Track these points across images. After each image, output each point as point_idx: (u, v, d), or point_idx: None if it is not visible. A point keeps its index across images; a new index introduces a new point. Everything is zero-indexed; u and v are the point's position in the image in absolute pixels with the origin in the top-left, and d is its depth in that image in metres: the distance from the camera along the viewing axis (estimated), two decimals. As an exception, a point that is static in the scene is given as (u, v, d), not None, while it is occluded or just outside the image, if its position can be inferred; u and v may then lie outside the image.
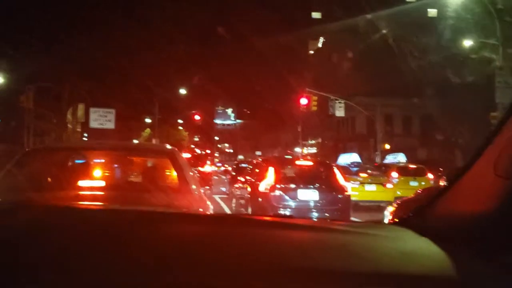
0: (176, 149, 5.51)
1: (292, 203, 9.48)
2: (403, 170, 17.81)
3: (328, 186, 9.77)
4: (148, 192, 4.28)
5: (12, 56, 30.78)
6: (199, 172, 18.45)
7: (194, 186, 4.66)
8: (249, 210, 10.07)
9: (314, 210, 9.57)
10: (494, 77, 21.47)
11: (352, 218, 10.41)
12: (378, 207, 14.72)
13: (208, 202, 4.74)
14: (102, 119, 24.08)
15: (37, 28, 20.37)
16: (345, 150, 41.53)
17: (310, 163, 11.93)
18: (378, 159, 29.79)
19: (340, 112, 32.44)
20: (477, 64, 24.66)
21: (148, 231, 1.33)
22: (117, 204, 3.74)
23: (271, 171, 9.76)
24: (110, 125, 24.28)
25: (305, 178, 9.86)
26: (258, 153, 70.60)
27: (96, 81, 25.95)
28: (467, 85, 27.36)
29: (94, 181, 4.53)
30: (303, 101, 32.82)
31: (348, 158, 18.47)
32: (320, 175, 10.15)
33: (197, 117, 47.49)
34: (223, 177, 26.60)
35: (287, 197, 9.47)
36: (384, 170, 18.05)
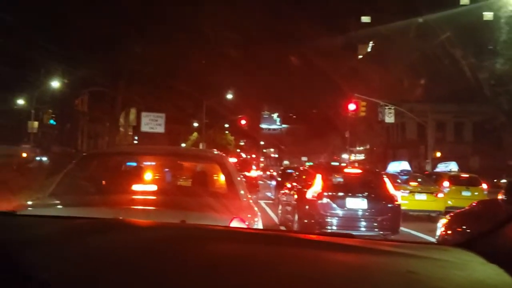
0: (225, 155, 5.56)
1: (340, 212, 9.34)
2: (455, 179, 17.20)
3: (377, 195, 9.55)
4: (198, 197, 4.33)
5: (68, 61, 32.16)
6: (245, 177, 18.49)
7: (242, 192, 4.67)
8: (296, 217, 10.00)
9: (363, 219, 9.38)
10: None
11: (402, 228, 10.13)
12: (428, 217, 14.27)
13: (256, 208, 4.74)
14: (152, 123, 24.68)
15: (91, 33, 21.16)
16: (395, 157, 40.55)
17: (359, 171, 11.70)
18: (428, 167, 28.90)
19: (390, 118, 31.73)
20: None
21: (194, 249, 1.32)
22: (168, 208, 3.81)
23: (318, 178, 9.65)
24: (160, 129, 24.86)
25: (353, 186, 9.68)
26: (304, 158, 70.16)
27: (147, 86, 26.62)
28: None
29: (147, 185, 4.64)
30: (351, 106, 32.36)
31: (397, 166, 17.97)
32: (369, 184, 9.94)
33: (243, 122, 47.75)
34: (269, 182, 26.63)
35: (334, 205, 9.33)
36: (435, 179, 17.49)
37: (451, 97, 41.07)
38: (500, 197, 4.38)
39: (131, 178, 4.70)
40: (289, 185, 12.36)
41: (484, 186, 17.11)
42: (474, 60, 32.20)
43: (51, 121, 44.34)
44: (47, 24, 24.91)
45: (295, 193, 10.85)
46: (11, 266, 1.06)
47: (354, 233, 9.30)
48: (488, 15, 34.57)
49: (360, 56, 63.99)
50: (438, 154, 34.10)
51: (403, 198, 12.88)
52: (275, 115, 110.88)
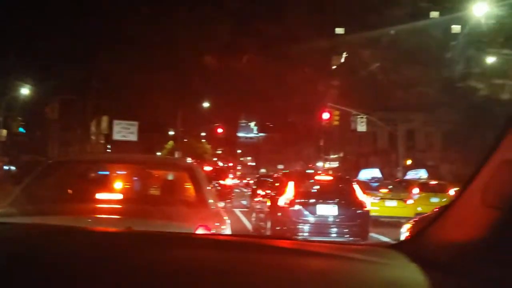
0: (195, 163, 5.57)
1: (311, 218, 9.45)
2: (424, 186, 17.60)
3: (347, 202, 9.70)
4: (166, 206, 4.32)
5: (38, 69, 31.59)
6: (220, 185, 18.49)
7: (211, 200, 4.69)
8: (268, 224, 10.06)
9: (333, 226, 9.51)
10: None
11: (372, 234, 10.30)
12: (398, 223, 14.49)
13: (226, 217, 4.76)
14: (125, 131, 24.44)
15: (62, 41, 20.91)
16: (367, 165, 41.07)
17: (330, 178, 11.86)
18: (399, 175, 29.42)
19: (361, 127, 32.22)
20: (502, 77, 24.31)
21: (156, 255, 1.32)
22: (133, 217, 3.79)
23: (290, 186, 9.76)
24: (133, 138, 24.62)
25: (324, 193, 9.82)
26: (280, 166, 70.37)
27: (120, 94, 26.38)
28: (491, 99, 26.93)
29: (112, 194, 4.61)
30: (325, 115, 32.74)
31: (369, 173, 18.27)
32: (339, 190, 10.09)
33: (220, 130, 47.72)
34: (245, 190, 26.63)
35: (306, 212, 9.44)
36: (405, 185, 17.85)
37: (420, 106, 41.98)
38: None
39: (97, 186, 4.67)
40: (262, 193, 12.44)
41: (452, 192, 17.53)
42: (442, 70, 33.05)
43: (21, 129, 43.25)
44: (17, 31, 24.51)
45: (268, 200, 10.92)
46: None
47: (324, 239, 9.45)
48: (456, 28, 35.59)
49: (334, 67, 64.85)
50: (409, 162, 34.76)
51: (374, 204, 13.10)
52: (252, 124, 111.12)
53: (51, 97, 27.91)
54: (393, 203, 15.00)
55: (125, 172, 5.72)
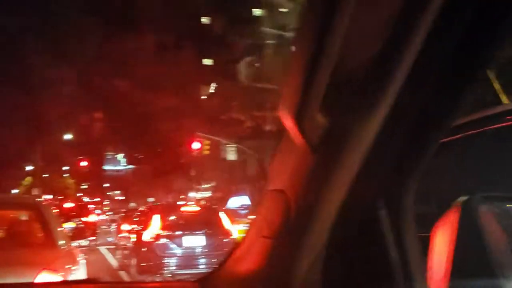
0: (41, 201, 5.24)
1: (178, 251, 9.33)
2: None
3: (214, 231, 9.78)
4: (11, 250, 4.00)
5: None
6: (83, 222, 17.48)
7: (62, 241, 4.44)
8: (133, 261, 9.69)
9: (201, 257, 9.49)
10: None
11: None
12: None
13: (80, 257, 4.52)
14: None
15: None
16: (238, 193, 42.11)
17: (197, 208, 11.90)
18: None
19: (231, 155, 33.09)
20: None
21: None
22: None
23: (156, 219, 9.56)
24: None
25: (191, 224, 9.79)
26: (151, 199, 68.58)
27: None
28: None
29: None
30: (196, 145, 33.03)
31: (238, 201, 18.73)
32: (206, 221, 10.14)
33: (83, 164, 45.30)
34: (113, 226, 25.37)
35: (172, 245, 9.30)
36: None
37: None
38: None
39: None
40: (128, 228, 12.01)
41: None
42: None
43: None
44: None
45: (133, 235, 10.56)
46: None
47: (193, 271, 9.38)
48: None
49: (204, 97, 65.97)
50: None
51: (241, 232, 13.37)
52: (120, 156, 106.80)
53: None
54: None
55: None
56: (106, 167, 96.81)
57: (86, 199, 58.50)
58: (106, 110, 36.79)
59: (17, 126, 25.62)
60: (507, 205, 1.19)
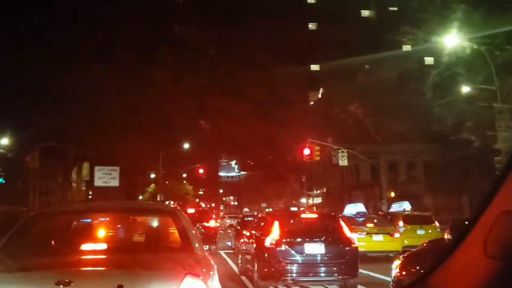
0: (178, 208, 5.50)
1: (298, 258, 9.31)
2: (409, 219, 17.62)
3: (335, 239, 9.62)
4: (150, 253, 4.23)
5: (17, 118, 31.30)
6: (204, 227, 18.15)
7: (197, 245, 4.61)
8: (255, 266, 9.88)
9: (322, 265, 9.38)
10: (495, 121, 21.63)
11: (361, 270, 10.19)
12: (386, 258, 14.43)
13: (212, 262, 4.67)
14: (106, 177, 24.14)
15: (41, 89, 20.90)
16: (351, 199, 41.21)
17: (315, 215, 11.79)
18: (384, 208, 29.51)
19: (343, 161, 32.49)
20: (478, 109, 24.92)
21: None
22: (119, 268, 3.70)
23: (276, 225, 9.66)
24: (115, 183, 24.31)
25: (311, 232, 9.73)
26: (264, 205, 70.01)
27: (100, 140, 26.25)
28: (469, 129, 27.48)
29: (97, 244, 4.50)
30: (306, 151, 33.02)
31: (353, 208, 18.28)
32: (326, 228, 10.01)
33: (201, 171, 47.57)
34: (229, 231, 26.27)
35: (293, 252, 9.31)
36: (390, 219, 17.86)
37: (400, 137, 42.64)
38: (446, 236, 4.54)
39: (81, 237, 4.57)
40: (247, 233, 12.27)
41: (437, 223, 17.61)
42: (419, 101, 33.85)
43: (0, 179, 42.48)
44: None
45: (254, 241, 10.76)
46: None
47: (314, 279, 9.29)
48: (429, 60, 36.73)
49: (312, 103, 65.91)
50: (393, 194, 34.97)
51: (360, 240, 13.03)
52: (233, 163, 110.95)
53: (31, 145, 27.64)
54: (379, 238, 14.95)
55: (109, 220, 5.63)
56: (220, 173, 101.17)
57: (203, 205, 61.48)
58: (220, 120, 38.34)
59: (143, 139, 27.78)
60: None
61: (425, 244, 5.37)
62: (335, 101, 51.20)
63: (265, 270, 9.41)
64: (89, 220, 5.21)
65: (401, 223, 16.92)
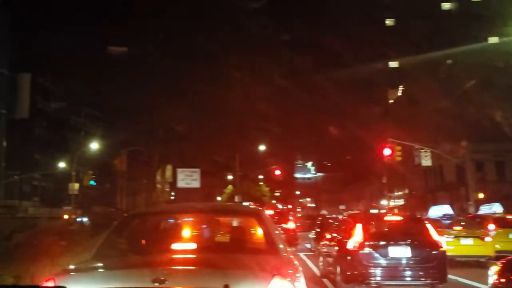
0: (262, 209, 5.56)
1: (383, 261, 9.04)
2: (501, 222, 16.44)
3: (421, 242, 9.23)
4: (237, 254, 4.29)
5: (106, 124, 33.44)
6: (283, 229, 18.19)
7: (281, 246, 4.62)
8: (338, 269, 9.74)
9: (408, 269, 9.04)
10: None
11: (449, 276, 9.69)
12: (477, 263, 13.61)
13: (297, 263, 4.65)
14: (188, 178, 25.00)
15: (128, 96, 22.14)
16: (435, 201, 39.34)
17: (400, 218, 11.39)
18: (472, 210, 27.86)
19: (426, 161, 31.15)
20: None
21: None
22: (209, 267, 3.79)
23: (358, 228, 9.45)
24: (196, 184, 25.11)
25: (395, 234, 9.42)
26: (342, 207, 68.89)
27: (182, 143, 27.27)
28: None
29: (186, 243, 4.66)
30: (386, 151, 32.02)
31: (439, 210, 17.39)
32: (411, 231, 9.65)
33: (277, 172, 47.77)
34: (309, 232, 26.13)
35: (377, 255, 9.06)
36: (479, 221, 16.79)
37: (488, 136, 40.08)
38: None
39: (171, 237, 4.75)
40: (328, 236, 12.14)
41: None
42: (507, 96, 31.64)
43: (91, 182, 45.61)
44: (85, 89, 26.27)
45: (335, 243, 10.63)
46: None
47: (400, 283, 8.98)
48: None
49: (391, 101, 63.82)
50: (481, 196, 32.90)
51: (448, 243, 12.39)
52: (309, 164, 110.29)
53: (119, 150, 29.40)
54: (469, 241, 14.10)
55: (194, 221, 5.81)
56: (296, 175, 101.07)
57: (280, 206, 61.70)
58: (297, 121, 38.29)
59: (221, 141, 28.45)
60: None
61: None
62: (416, 98, 49.22)
63: (348, 273, 9.25)
64: (177, 220, 5.42)
65: (492, 226, 15.85)
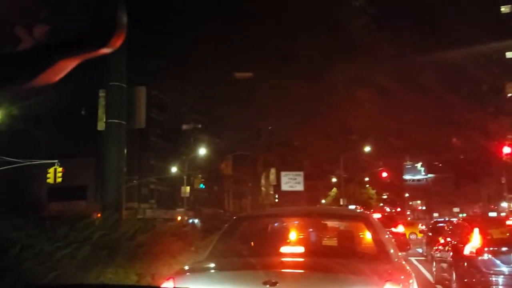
0: (369, 212, 5.46)
1: (505, 269, 8.35)
2: None
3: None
4: (346, 259, 4.27)
5: (213, 131, 34.96)
6: (392, 233, 17.61)
7: (392, 251, 4.50)
8: (453, 276, 9.20)
9: (537, 278, 8.25)
10: None
11: None
12: None
13: (408, 268, 4.51)
14: (292, 181, 25.23)
15: (233, 106, 22.94)
16: None
17: (524, 222, 10.45)
18: None
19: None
20: None
21: None
22: (319, 271, 3.81)
23: (476, 232, 8.84)
24: (299, 187, 25.24)
25: (519, 241, 8.66)
26: (456, 209, 64.64)
27: (285, 146, 27.57)
28: None
29: (294, 247, 4.74)
30: (506, 149, 29.52)
31: None
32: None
33: (384, 174, 46.21)
34: (418, 237, 24.97)
35: (498, 262, 8.39)
36: None
37: None
38: None
39: (278, 239, 4.87)
40: (442, 241, 11.52)
41: None
42: None
43: (201, 185, 48.08)
44: (195, 99, 27.74)
45: (450, 249, 10.05)
46: None
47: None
48: None
49: (510, 95, 58.52)
50: None
51: None
52: (418, 165, 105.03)
53: (225, 154, 30.60)
54: None
55: (301, 224, 5.87)
56: (405, 177, 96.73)
57: (387, 209, 59.58)
58: (402, 121, 36.71)
59: (324, 144, 28.24)
60: None
61: None
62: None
63: (465, 280, 8.70)
64: (284, 224, 5.53)
65: None
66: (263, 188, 31.34)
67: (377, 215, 18.65)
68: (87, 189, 42.11)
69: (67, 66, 0.91)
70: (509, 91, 58.65)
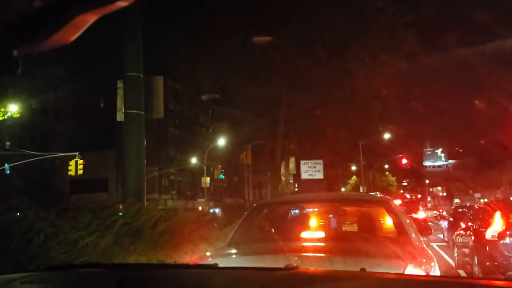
0: (389, 197, 5.45)
1: (527, 252, 8.27)
2: None
3: None
4: (367, 242, 4.28)
5: (231, 121, 35.02)
6: (413, 219, 17.54)
7: (413, 235, 4.51)
8: (475, 260, 9.13)
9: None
10: None
11: None
12: None
13: (430, 252, 4.50)
14: (311, 170, 25.14)
15: (251, 94, 22.86)
16: None
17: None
18: None
19: None
20: None
21: None
22: (342, 255, 3.84)
23: (497, 216, 8.74)
24: (319, 176, 25.14)
25: (542, 223, 8.54)
26: (477, 195, 63.79)
27: (304, 135, 27.43)
28: None
29: (315, 232, 4.77)
30: (528, 133, 28.90)
31: None
32: (562, 220, 8.66)
33: (404, 161, 45.75)
34: (439, 223, 24.77)
35: (520, 245, 8.30)
36: None
37: None
38: None
39: (299, 225, 4.90)
40: (463, 225, 11.43)
41: None
42: None
43: (221, 176, 48.45)
44: (213, 87, 27.75)
45: (471, 233, 9.97)
46: None
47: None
48: None
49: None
50: None
51: None
52: (438, 151, 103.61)
53: (244, 144, 30.66)
54: None
55: (321, 210, 5.90)
56: (425, 163, 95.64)
57: (408, 196, 59.14)
58: (424, 107, 36.16)
59: (344, 131, 28.03)
60: None
61: None
62: None
63: (487, 264, 8.63)
64: (304, 210, 5.56)
65: None
66: (282, 178, 31.35)
67: (397, 201, 18.59)
68: (108, 181, 42.74)
69: (85, 22, 0.92)
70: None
